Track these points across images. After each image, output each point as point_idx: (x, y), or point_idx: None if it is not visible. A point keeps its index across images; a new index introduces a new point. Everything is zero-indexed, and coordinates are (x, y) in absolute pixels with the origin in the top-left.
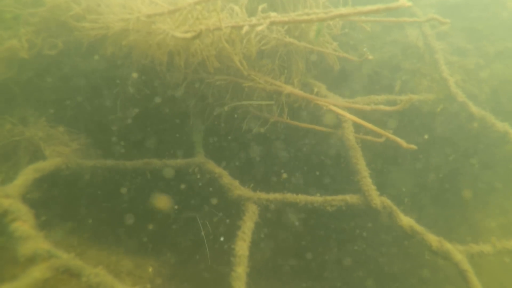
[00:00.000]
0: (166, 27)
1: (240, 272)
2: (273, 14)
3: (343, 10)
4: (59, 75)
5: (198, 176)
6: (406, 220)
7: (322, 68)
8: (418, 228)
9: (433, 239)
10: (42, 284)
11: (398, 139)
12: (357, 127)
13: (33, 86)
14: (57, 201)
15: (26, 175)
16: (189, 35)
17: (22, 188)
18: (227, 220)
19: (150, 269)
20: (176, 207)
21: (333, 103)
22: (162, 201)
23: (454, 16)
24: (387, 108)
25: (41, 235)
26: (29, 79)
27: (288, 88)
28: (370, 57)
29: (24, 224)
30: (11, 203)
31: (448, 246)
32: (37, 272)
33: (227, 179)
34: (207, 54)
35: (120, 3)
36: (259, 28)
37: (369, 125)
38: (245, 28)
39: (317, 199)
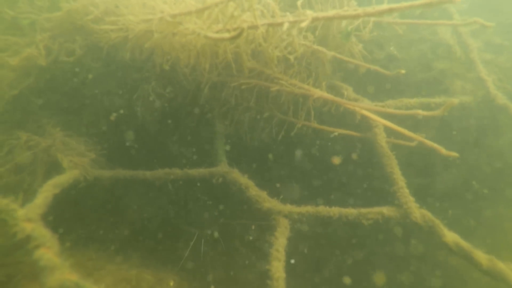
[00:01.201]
0: (195, 27)
1: None
2: (308, 12)
3: (392, 5)
4: (76, 81)
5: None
6: (450, 236)
7: (346, 69)
8: (465, 244)
9: (482, 257)
10: None
11: (437, 145)
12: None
13: (49, 93)
14: (74, 214)
15: (46, 192)
16: (227, 35)
17: (43, 208)
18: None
19: (172, 283)
20: (199, 218)
21: (365, 107)
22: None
23: (488, 10)
24: (425, 113)
25: (67, 264)
26: (45, 86)
27: (317, 92)
28: (403, 71)
29: (48, 251)
30: (33, 228)
31: (501, 265)
32: None
33: (254, 190)
34: (236, 54)
35: (140, 3)
36: (302, 24)
37: (404, 130)
38: (286, 26)
39: (351, 211)
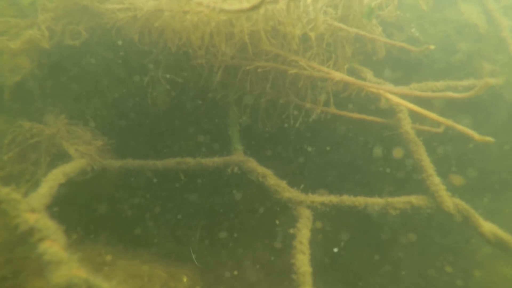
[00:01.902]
0: (209, 1)
1: None
2: None
3: None
4: (82, 67)
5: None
6: (488, 226)
7: (365, 52)
8: (504, 235)
9: None
10: None
11: (469, 130)
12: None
13: (53, 79)
14: (80, 207)
15: (51, 181)
16: (246, 5)
17: (47, 198)
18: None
19: (185, 279)
20: (214, 209)
21: (390, 90)
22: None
23: None
24: (456, 95)
25: (75, 258)
26: (49, 73)
27: (338, 75)
28: (432, 47)
29: (54, 244)
30: (37, 219)
31: None
32: None
33: (272, 179)
34: (252, 35)
35: None
36: None
37: (432, 115)
38: None
39: (378, 201)
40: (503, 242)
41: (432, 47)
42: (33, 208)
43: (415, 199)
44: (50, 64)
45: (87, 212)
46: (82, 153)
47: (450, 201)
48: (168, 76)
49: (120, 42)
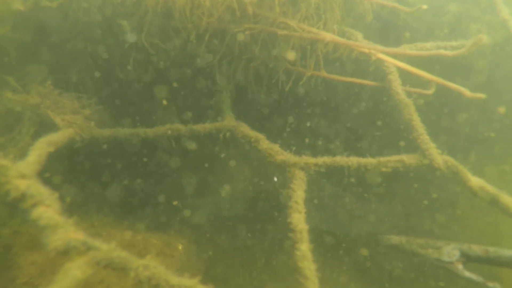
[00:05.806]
0: None
1: (305, 249)
2: None
3: None
4: (61, 32)
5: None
6: (475, 181)
7: (354, 16)
8: (491, 189)
9: (510, 201)
10: (84, 284)
11: (460, 87)
12: None
13: (31, 46)
14: (70, 177)
15: (39, 149)
16: None
17: (37, 165)
18: None
19: (180, 247)
20: (204, 177)
21: (382, 50)
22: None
23: None
24: (449, 53)
25: (71, 222)
26: (26, 38)
27: (328, 36)
28: (424, 6)
29: (48, 209)
30: (29, 185)
31: None
32: (76, 270)
33: (265, 143)
34: None
35: None
36: None
37: (424, 73)
38: None
39: (370, 161)
40: (490, 195)
41: (424, 6)
42: (23, 174)
43: (407, 158)
44: (27, 28)
45: (76, 182)
46: (70, 123)
47: (440, 158)
48: (151, 40)
49: (102, 6)
